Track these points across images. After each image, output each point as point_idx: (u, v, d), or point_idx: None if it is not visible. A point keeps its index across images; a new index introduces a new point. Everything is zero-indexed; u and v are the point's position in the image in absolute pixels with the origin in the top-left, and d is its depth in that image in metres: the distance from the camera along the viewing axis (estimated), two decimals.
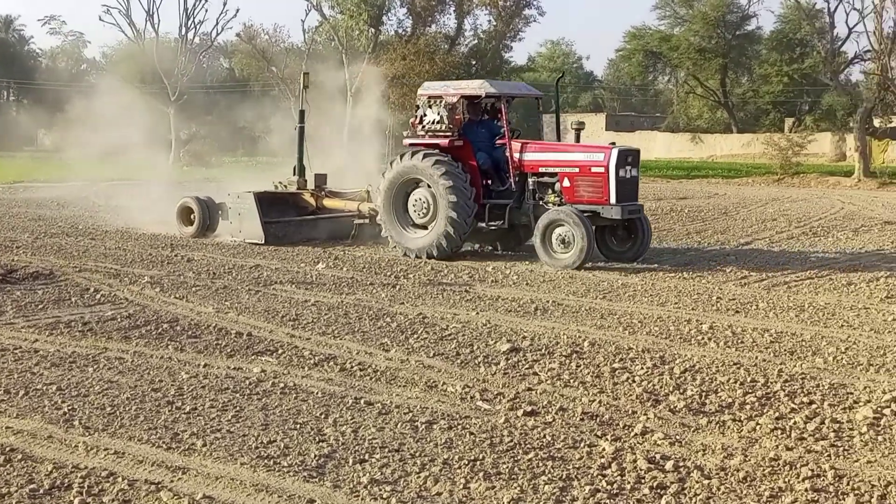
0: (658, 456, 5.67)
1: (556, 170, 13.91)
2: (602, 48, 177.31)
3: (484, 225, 14.35)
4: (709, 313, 10.27)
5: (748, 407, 6.72)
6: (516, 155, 14.21)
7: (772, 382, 7.35)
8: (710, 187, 34.27)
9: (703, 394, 7.03)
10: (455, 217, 13.90)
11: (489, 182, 14.55)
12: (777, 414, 6.54)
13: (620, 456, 5.68)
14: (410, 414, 6.47)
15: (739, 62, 60.85)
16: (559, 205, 13.70)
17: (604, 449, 5.78)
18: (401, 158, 14.58)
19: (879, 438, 6.05)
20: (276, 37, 56.06)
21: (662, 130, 62.15)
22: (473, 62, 47.91)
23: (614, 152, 13.48)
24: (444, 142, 14.35)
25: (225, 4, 64.06)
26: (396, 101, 43.29)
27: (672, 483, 5.28)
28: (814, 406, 6.75)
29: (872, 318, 9.99)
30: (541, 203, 14.03)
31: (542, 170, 14.10)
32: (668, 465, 5.52)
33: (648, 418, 6.42)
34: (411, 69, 42.81)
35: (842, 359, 8.15)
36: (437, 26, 50.06)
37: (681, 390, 7.12)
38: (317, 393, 6.98)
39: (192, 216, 16.73)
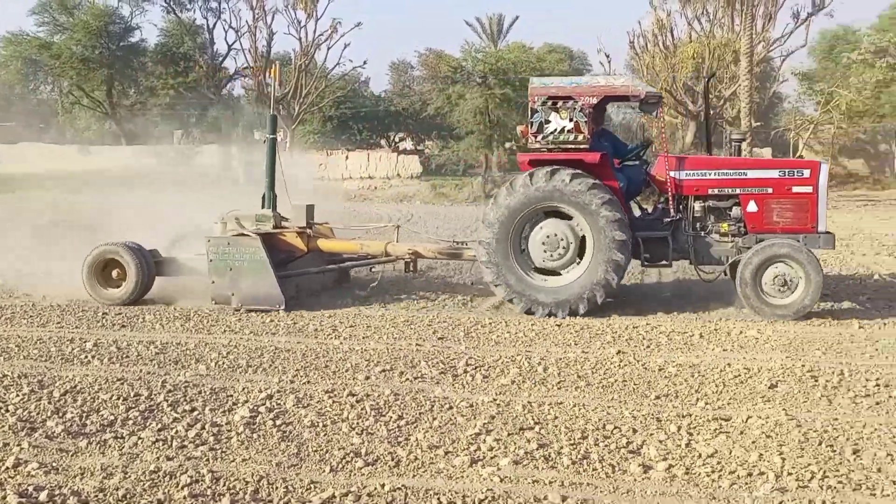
0: (31, 488, 5.33)
1: (736, 191, 11.05)
2: None
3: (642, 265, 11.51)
4: (94, 330, 10.00)
5: (131, 422, 6.64)
6: (672, 173, 11.16)
7: (155, 394, 7.35)
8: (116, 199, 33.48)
9: (85, 414, 6.80)
10: (620, 260, 10.71)
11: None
12: (160, 425, 6.56)
13: None
14: None
15: (126, 74, 60.34)
16: (737, 235, 11.10)
17: None
18: (531, 179, 10.81)
19: (254, 436, 6.36)
20: None
21: (48, 142, 59.25)
22: None
23: (825, 167, 11.00)
24: (591, 157, 10.87)
25: None
26: None
27: None
28: (195, 413, 6.88)
29: (253, 321, 10.53)
30: (702, 234, 11.21)
31: (712, 191, 11.13)
32: (43, 495, 5.21)
33: (23, 449, 6.02)
34: None
35: (223, 363, 8.46)
36: None
37: (60, 414, 6.80)
38: None
39: (116, 273, 11.55)
